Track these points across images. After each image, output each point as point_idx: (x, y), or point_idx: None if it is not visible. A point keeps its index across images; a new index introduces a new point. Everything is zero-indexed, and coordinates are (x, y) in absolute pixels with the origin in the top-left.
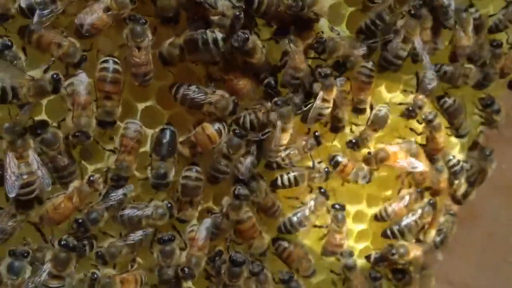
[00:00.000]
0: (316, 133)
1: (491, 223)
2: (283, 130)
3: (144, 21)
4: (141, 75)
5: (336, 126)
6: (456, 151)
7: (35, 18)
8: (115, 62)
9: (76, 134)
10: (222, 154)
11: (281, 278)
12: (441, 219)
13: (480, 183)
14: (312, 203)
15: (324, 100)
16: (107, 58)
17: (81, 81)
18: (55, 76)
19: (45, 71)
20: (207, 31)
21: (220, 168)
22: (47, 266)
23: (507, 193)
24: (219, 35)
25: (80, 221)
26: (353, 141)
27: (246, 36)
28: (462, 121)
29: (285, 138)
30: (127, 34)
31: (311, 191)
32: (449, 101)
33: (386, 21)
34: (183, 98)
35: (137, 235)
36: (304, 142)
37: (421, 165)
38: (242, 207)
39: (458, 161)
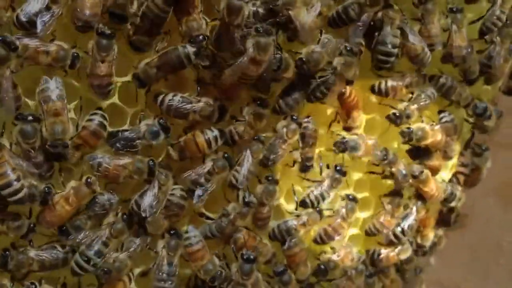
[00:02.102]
0: (294, 117)
1: (483, 225)
2: (254, 61)
3: (112, 34)
4: (103, 86)
5: (305, 165)
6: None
7: (39, 27)
8: (103, 117)
9: (53, 144)
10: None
11: (275, 270)
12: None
13: (475, 184)
14: (305, 218)
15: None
16: (95, 114)
17: (52, 86)
18: (0, 37)
19: None
20: (179, 47)
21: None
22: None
23: (498, 195)
24: (191, 50)
25: (63, 228)
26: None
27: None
28: (452, 143)
29: (255, 70)
30: (93, 45)
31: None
32: (448, 117)
33: (350, 15)
34: (167, 108)
35: (136, 243)
36: (285, 129)
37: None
38: (249, 215)
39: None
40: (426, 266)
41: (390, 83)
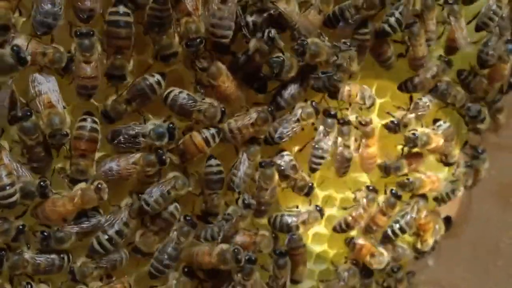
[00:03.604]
0: (313, 103)
1: (482, 226)
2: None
3: (91, 32)
4: (88, 88)
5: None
6: None
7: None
8: (93, 121)
9: (52, 134)
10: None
11: (275, 250)
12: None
13: (473, 184)
14: (305, 215)
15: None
16: (85, 116)
17: (42, 80)
18: (15, 48)
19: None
20: (147, 76)
21: None
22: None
23: (497, 196)
24: (159, 77)
25: (45, 234)
26: None
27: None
28: (451, 149)
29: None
30: (75, 47)
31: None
32: (444, 125)
33: (346, 17)
34: (172, 103)
35: (112, 258)
36: (300, 110)
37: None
38: (250, 216)
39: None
40: (425, 267)
41: (416, 79)
